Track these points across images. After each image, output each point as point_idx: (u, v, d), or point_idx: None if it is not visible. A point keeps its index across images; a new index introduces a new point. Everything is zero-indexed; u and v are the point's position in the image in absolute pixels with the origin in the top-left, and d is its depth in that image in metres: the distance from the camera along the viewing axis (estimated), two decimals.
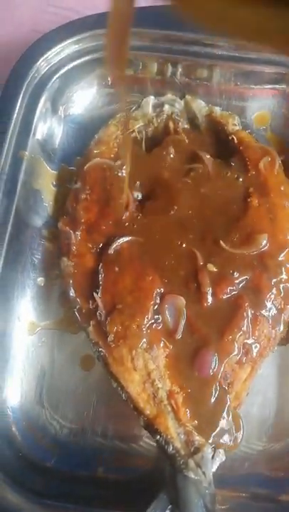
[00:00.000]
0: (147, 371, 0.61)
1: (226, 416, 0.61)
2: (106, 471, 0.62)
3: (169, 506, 0.55)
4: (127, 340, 0.61)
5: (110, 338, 0.62)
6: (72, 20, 0.75)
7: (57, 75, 0.74)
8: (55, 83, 0.75)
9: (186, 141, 0.76)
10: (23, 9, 0.87)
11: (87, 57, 0.76)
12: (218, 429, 0.60)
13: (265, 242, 0.67)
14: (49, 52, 0.72)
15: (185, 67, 0.80)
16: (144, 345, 0.61)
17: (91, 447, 0.64)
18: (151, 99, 0.79)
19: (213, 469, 0.59)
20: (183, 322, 0.63)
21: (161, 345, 0.62)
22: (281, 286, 0.66)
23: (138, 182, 0.71)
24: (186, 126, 0.77)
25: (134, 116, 0.77)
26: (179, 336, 0.62)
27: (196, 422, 0.60)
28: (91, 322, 0.64)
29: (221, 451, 0.61)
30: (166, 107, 0.78)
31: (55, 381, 0.67)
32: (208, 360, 0.60)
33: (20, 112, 0.69)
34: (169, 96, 0.80)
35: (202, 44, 0.77)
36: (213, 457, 0.60)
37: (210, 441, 0.59)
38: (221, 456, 0.61)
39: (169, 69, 0.81)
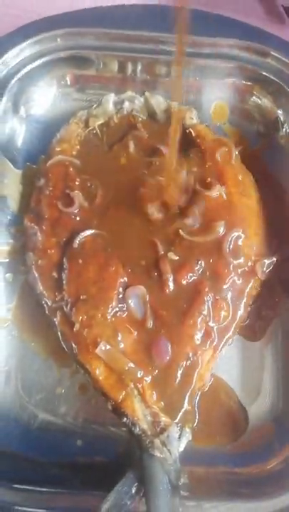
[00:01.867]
0: (113, 357, 0.64)
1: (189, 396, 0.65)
2: (77, 455, 0.65)
3: (136, 484, 0.57)
4: (92, 329, 0.64)
5: (76, 327, 0.64)
6: (29, 22, 0.77)
7: (16, 77, 0.76)
8: (15, 85, 0.76)
9: (146, 136, 0.78)
10: None
11: (45, 58, 0.78)
12: (183, 409, 0.64)
13: (222, 229, 0.70)
14: (6, 55, 0.74)
15: (144, 65, 0.83)
16: (109, 332, 0.64)
17: (63, 433, 0.66)
18: (111, 97, 0.81)
19: (181, 448, 0.62)
20: (148, 311, 0.66)
21: (126, 332, 0.65)
22: (240, 270, 0.70)
23: (99, 177, 0.73)
24: (145, 121, 0.80)
25: (94, 114, 0.79)
26: (149, 324, 0.65)
27: (163, 403, 0.63)
28: (58, 313, 0.67)
29: (188, 430, 0.64)
30: (127, 103, 0.80)
31: (26, 372, 0.69)
32: (163, 347, 0.63)
33: None
34: (129, 93, 0.82)
35: (158, 41, 0.80)
36: (180, 436, 0.63)
37: (176, 420, 0.63)
38: (187, 435, 0.64)
39: (129, 67, 0.84)
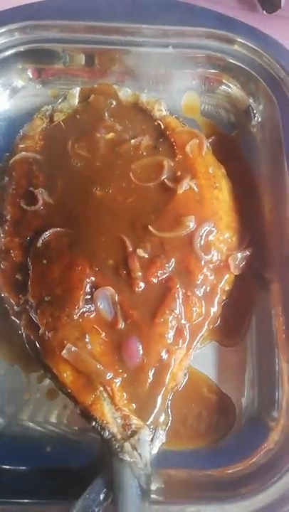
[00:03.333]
0: (80, 360, 0.61)
1: (162, 397, 0.62)
2: (46, 461, 0.63)
3: (104, 490, 0.55)
4: (58, 331, 0.61)
5: (41, 330, 0.62)
6: None
7: None
8: None
9: (115, 129, 0.76)
10: None
11: (4, 54, 0.76)
12: (156, 410, 0.61)
13: (192, 224, 0.67)
14: None
15: (111, 57, 0.80)
16: (76, 334, 0.62)
17: (31, 440, 0.64)
18: (77, 91, 0.78)
19: (154, 451, 0.60)
20: (118, 311, 0.63)
21: (95, 333, 0.62)
22: (212, 265, 0.68)
23: (64, 173, 0.71)
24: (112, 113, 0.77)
25: (59, 109, 0.77)
26: (120, 326, 0.63)
27: (134, 405, 0.61)
28: (22, 317, 0.64)
29: (162, 432, 0.62)
30: (92, 96, 0.78)
31: None
32: (133, 348, 0.61)
33: None
34: (96, 86, 0.80)
35: (124, 32, 0.78)
36: (152, 439, 0.60)
37: (148, 422, 0.60)
38: (161, 438, 0.61)
39: (96, 59, 0.82)
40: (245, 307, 0.71)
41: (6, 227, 0.67)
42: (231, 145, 0.80)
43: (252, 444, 0.62)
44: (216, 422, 0.66)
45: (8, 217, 0.68)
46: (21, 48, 0.76)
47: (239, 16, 0.82)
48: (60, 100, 0.78)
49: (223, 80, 0.80)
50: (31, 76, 0.80)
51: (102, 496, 0.55)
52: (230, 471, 0.61)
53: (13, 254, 0.66)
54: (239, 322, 0.71)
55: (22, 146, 0.73)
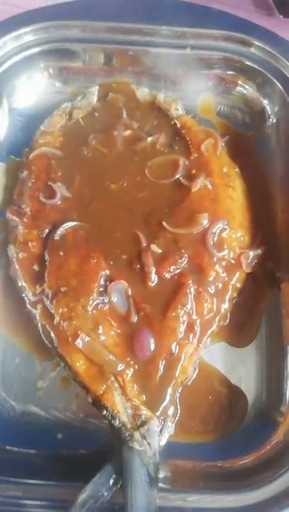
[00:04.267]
0: (93, 350, 0.63)
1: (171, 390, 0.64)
2: (58, 447, 0.64)
3: (113, 476, 0.57)
4: (72, 321, 0.63)
5: (56, 320, 0.64)
6: (12, 15, 0.76)
7: None
8: None
9: (133, 127, 0.78)
10: None
11: (28, 52, 0.78)
12: (165, 402, 0.63)
13: (206, 221, 0.69)
14: None
15: (130, 56, 0.82)
16: (90, 325, 0.63)
17: (43, 426, 0.66)
18: (96, 89, 0.81)
19: (163, 442, 0.61)
20: (131, 305, 0.65)
21: (108, 324, 0.64)
22: (224, 263, 0.69)
23: (82, 168, 0.73)
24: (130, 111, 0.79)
25: (78, 106, 0.79)
26: (133, 319, 0.64)
27: (144, 396, 0.62)
28: (38, 306, 0.66)
29: (170, 424, 0.63)
30: (111, 95, 0.80)
31: (7, 366, 0.69)
32: (145, 341, 0.62)
33: None
34: (114, 85, 0.82)
35: (143, 33, 0.79)
36: (161, 430, 0.62)
37: (157, 413, 0.62)
38: (169, 429, 0.63)
39: (115, 59, 0.84)
40: (255, 307, 0.72)
41: (25, 220, 0.69)
42: (246, 145, 0.81)
43: (259, 438, 0.63)
44: (227, 416, 0.67)
45: (27, 210, 0.70)
46: (44, 47, 0.79)
47: (256, 20, 0.83)
48: (79, 98, 0.80)
49: (239, 82, 0.81)
50: (52, 74, 0.82)
51: (111, 481, 0.57)
52: (236, 463, 0.62)
53: (31, 246, 0.68)
54: (250, 324, 0.72)
55: (41, 141, 0.75)
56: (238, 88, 0.81)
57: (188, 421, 0.66)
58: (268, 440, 0.62)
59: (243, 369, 0.69)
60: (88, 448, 0.65)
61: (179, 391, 0.64)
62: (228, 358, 0.69)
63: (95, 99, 0.80)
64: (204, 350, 0.67)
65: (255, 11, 0.96)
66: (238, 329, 0.71)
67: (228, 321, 0.69)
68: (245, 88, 0.81)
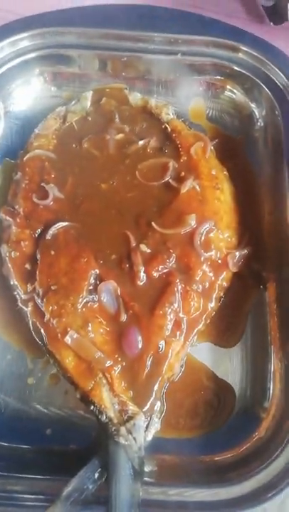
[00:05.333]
0: (82, 346, 0.64)
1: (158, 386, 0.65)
2: (47, 442, 0.66)
3: (99, 469, 0.58)
4: (62, 318, 0.65)
5: (47, 317, 0.66)
6: (8, 21, 0.79)
7: None
8: None
9: (125, 130, 0.80)
10: None
11: (24, 57, 0.81)
12: (151, 398, 0.64)
13: (193, 222, 0.71)
14: None
15: (123, 62, 0.85)
16: (80, 322, 0.65)
17: (33, 421, 0.67)
18: (89, 94, 0.83)
19: (149, 437, 0.63)
20: (121, 305, 0.66)
21: (97, 322, 0.66)
22: (210, 263, 0.70)
23: (74, 171, 0.75)
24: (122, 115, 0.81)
25: (72, 110, 0.81)
26: (122, 318, 0.66)
27: (131, 392, 0.64)
28: (29, 304, 0.68)
29: (156, 420, 0.64)
30: (104, 100, 0.82)
31: None
32: (133, 339, 0.64)
33: None
34: (107, 90, 0.84)
35: (136, 40, 0.82)
36: (148, 426, 0.63)
37: (144, 409, 0.63)
38: (156, 425, 0.64)
39: (109, 65, 0.86)
40: (242, 306, 0.74)
41: (18, 220, 0.71)
42: (235, 148, 0.83)
43: (243, 433, 0.64)
44: (214, 411, 0.68)
45: (20, 210, 0.72)
46: (40, 53, 0.81)
47: (248, 28, 0.86)
48: (73, 102, 0.82)
49: (228, 87, 0.83)
50: (47, 79, 0.84)
51: (96, 475, 0.58)
52: (220, 458, 0.63)
53: (23, 245, 0.70)
54: (236, 324, 0.73)
55: (36, 144, 0.77)
56: (227, 93, 0.83)
57: (174, 417, 0.68)
58: (250, 436, 0.64)
59: (228, 366, 0.70)
60: (78, 443, 0.67)
61: (166, 387, 0.66)
62: (214, 356, 0.71)
63: (88, 103, 0.82)
64: (191, 348, 0.69)
65: (248, 19, 0.99)
66: (224, 329, 0.73)
67: (214, 320, 0.70)
68: (234, 93, 0.83)
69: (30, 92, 0.84)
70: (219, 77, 0.83)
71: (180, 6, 0.93)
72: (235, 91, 0.83)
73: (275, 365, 0.69)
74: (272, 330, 0.71)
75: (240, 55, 0.79)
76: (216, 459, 0.63)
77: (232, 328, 0.73)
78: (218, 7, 0.98)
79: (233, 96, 0.84)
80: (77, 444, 0.67)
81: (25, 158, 0.76)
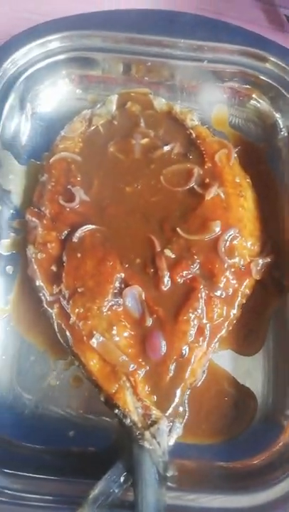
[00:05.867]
0: (107, 349, 0.65)
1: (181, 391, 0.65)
2: (69, 444, 0.66)
3: (124, 473, 0.59)
4: (88, 321, 0.65)
5: (72, 319, 0.66)
6: (37, 24, 0.79)
7: (23, 76, 0.79)
8: (22, 83, 0.79)
9: (150, 135, 0.80)
10: None
11: (52, 59, 0.81)
12: (174, 403, 0.65)
13: (218, 228, 0.71)
14: (15, 55, 0.77)
15: (148, 67, 0.85)
16: (105, 325, 0.65)
17: (55, 423, 0.67)
18: (115, 97, 0.83)
19: (171, 442, 0.63)
20: (145, 310, 0.67)
21: (121, 326, 0.66)
22: (234, 269, 0.71)
23: (100, 174, 0.76)
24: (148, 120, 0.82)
25: (98, 113, 0.81)
26: (147, 323, 0.66)
27: (155, 397, 0.64)
28: (55, 306, 0.68)
29: (179, 425, 0.65)
30: (129, 104, 0.83)
31: (22, 363, 0.71)
32: (157, 343, 0.65)
33: None
34: (132, 94, 0.85)
35: (162, 45, 0.82)
36: (170, 430, 0.64)
37: (166, 414, 0.64)
38: (178, 430, 0.65)
39: (133, 69, 0.86)
40: (263, 313, 0.74)
41: (45, 222, 0.72)
42: (258, 156, 0.84)
43: (265, 440, 0.65)
44: (235, 417, 0.68)
45: (46, 212, 0.72)
46: (67, 55, 0.82)
47: (269, 35, 0.86)
48: (98, 105, 0.83)
49: (253, 95, 0.84)
50: (74, 81, 0.85)
51: (122, 479, 0.59)
52: (242, 465, 0.64)
53: (49, 247, 0.70)
54: (256, 332, 0.74)
55: (62, 146, 0.78)
56: (252, 101, 0.84)
57: (196, 422, 0.68)
58: (273, 443, 0.64)
59: (250, 373, 0.71)
60: (98, 446, 0.67)
61: (188, 393, 0.66)
62: (236, 363, 0.71)
63: (114, 107, 0.82)
64: (213, 354, 0.69)
65: (269, 27, 0.99)
66: (245, 337, 0.73)
67: (235, 328, 0.71)
68: (259, 102, 0.84)
69: (56, 94, 0.84)
70: (244, 86, 0.84)
71: (202, 11, 0.94)
72: (260, 100, 0.83)
73: None
74: None
75: (267, 64, 0.80)
76: (239, 465, 0.64)
77: (253, 335, 0.74)
78: (240, 14, 0.99)
79: (258, 105, 0.84)
80: (96, 446, 0.67)
81: (51, 160, 0.76)
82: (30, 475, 0.63)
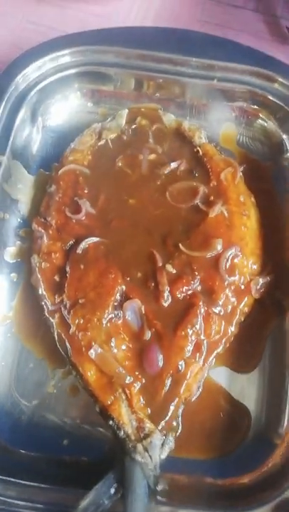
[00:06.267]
0: (104, 361, 0.66)
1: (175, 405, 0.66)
2: (63, 453, 0.67)
3: (115, 484, 0.59)
4: (87, 332, 0.67)
5: (72, 329, 0.67)
6: (50, 38, 0.82)
7: (36, 89, 0.81)
8: (34, 96, 0.81)
9: (157, 151, 0.82)
10: (1, 25, 0.93)
11: (64, 73, 0.83)
12: (168, 417, 0.65)
13: (220, 246, 0.72)
14: (28, 68, 0.79)
15: (159, 84, 0.87)
16: (104, 337, 0.67)
17: (51, 431, 0.68)
18: (125, 112, 0.85)
19: (163, 456, 0.64)
20: (144, 324, 0.68)
21: (120, 338, 0.67)
22: (234, 287, 0.72)
23: (107, 188, 0.77)
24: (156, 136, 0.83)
25: (108, 127, 0.83)
26: (146, 337, 0.67)
27: (149, 410, 0.65)
28: (56, 315, 0.70)
29: (171, 438, 0.66)
30: (139, 119, 0.85)
31: (21, 370, 0.72)
32: (154, 357, 0.66)
33: (1, 121, 0.76)
34: (143, 109, 0.86)
35: (173, 63, 0.84)
36: (163, 444, 0.65)
37: (160, 427, 0.64)
38: (170, 444, 0.65)
39: (144, 85, 0.88)
40: (260, 332, 0.74)
41: (50, 232, 0.74)
42: (263, 174, 0.84)
43: (257, 459, 0.65)
44: (228, 434, 0.69)
45: (52, 223, 0.74)
46: (79, 69, 0.83)
47: (270, 47, 0.87)
48: (109, 119, 0.84)
49: (261, 115, 0.85)
50: (85, 95, 0.87)
51: (112, 490, 0.59)
52: (232, 483, 0.64)
53: (53, 257, 0.72)
54: (253, 351, 0.74)
55: (71, 158, 0.80)
56: (259, 121, 0.85)
57: (189, 437, 0.68)
58: (264, 462, 0.65)
59: (245, 390, 0.71)
60: (91, 456, 0.68)
61: (182, 408, 0.67)
62: (231, 380, 0.72)
63: (123, 121, 0.84)
64: (209, 370, 0.70)
65: (271, 39, 1.00)
66: (241, 355, 0.73)
67: (232, 345, 0.71)
68: (266, 121, 0.85)
69: (67, 107, 0.86)
70: (253, 105, 0.85)
71: (204, 24, 0.98)
72: (267, 119, 0.84)
73: None
74: None
75: (276, 85, 0.81)
76: (229, 483, 0.64)
77: (249, 354, 0.74)
78: (242, 26, 1.00)
79: (265, 124, 0.85)
80: (89, 456, 0.68)
81: (60, 172, 0.78)
82: (24, 482, 0.64)
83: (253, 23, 1.00)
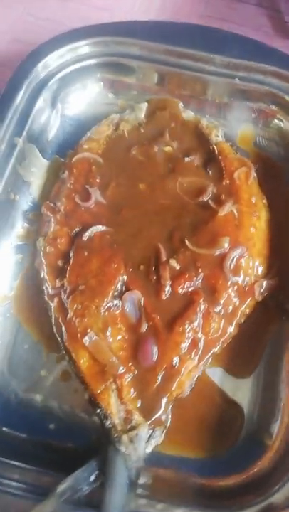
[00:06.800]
0: (98, 349, 0.66)
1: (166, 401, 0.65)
2: (49, 437, 0.67)
3: (96, 472, 0.59)
4: (84, 318, 0.67)
5: (70, 315, 0.68)
6: (73, 29, 0.82)
7: (56, 77, 0.82)
8: (55, 83, 0.82)
9: (172, 145, 0.81)
10: (2, 19, 0.94)
11: (84, 63, 0.84)
12: (157, 411, 0.65)
13: (227, 245, 0.71)
14: (49, 57, 0.80)
15: (181, 79, 0.86)
16: (100, 325, 0.67)
17: (39, 414, 0.69)
18: (144, 105, 0.85)
19: (148, 449, 0.63)
20: (143, 316, 0.68)
21: (116, 328, 0.67)
22: (237, 288, 0.71)
23: (119, 178, 0.77)
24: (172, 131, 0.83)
25: (126, 119, 0.84)
26: (143, 329, 0.67)
27: (139, 402, 0.65)
28: (55, 299, 0.70)
29: (158, 433, 0.65)
30: (158, 113, 0.84)
31: (16, 350, 0.72)
32: (149, 350, 0.65)
33: (20, 106, 0.77)
34: (162, 103, 0.86)
35: (196, 59, 0.83)
36: (149, 438, 0.64)
37: (148, 421, 0.64)
38: (157, 439, 0.65)
39: (166, 80, 0.88)
40: (260, 335, 0.73)
41: (58, 217, 0.74)
42: (276, 174, 0.83)
43: (247, 460, 0.64)
44: (220, 433, 0.67)
45: (61, 208, 0.75)
46: (102, 59, 0.84)
47: (273, 42, 0.85)
48: (127, 111, 0.85)
49: (278, 115, 0.83)
50: (105, 85, 0.87)
51: (92, 477, 0.59)
52: (217, 483, 0.63)
53: (59, 242, 0.73)
54: (251, 355, 0.72)
55: (86, 147, 0.80)
56: (276, 121, 0.84)
57: (179, 433, 0.67)
58: (253, 464, 0.63)
59: (237, 391, 0.70)
60: (76, 442, 0.68)
61: (172, 404, 0.66)
62: (226, 378, 0.70)
63: (142, 114, 0.84)
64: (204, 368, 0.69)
65: (273, 34, 0.99)
66: (238, 358, 0.72)
67: (230, 347, 0.70)
68: (282, 121, 0.83)
69: (86, 97, 0.87)
70: (271, 106, 0.83)
71: (207, 18, 0.97)
72: (284, 120, 0.83)
73: (286, 399, 0.68)
74: (287, 363, 0.69)
75: None
76: (213, 483, 0.63)
77: (247, 357, 0.72)
78: (245, 20, 0.99)
79: (281, 124, 0.84)
80: (76, 443, 0.68)
81: (74, 159, 0.79)
82: (9, 461, 0.64)
83: (256, 18, 0.99)
